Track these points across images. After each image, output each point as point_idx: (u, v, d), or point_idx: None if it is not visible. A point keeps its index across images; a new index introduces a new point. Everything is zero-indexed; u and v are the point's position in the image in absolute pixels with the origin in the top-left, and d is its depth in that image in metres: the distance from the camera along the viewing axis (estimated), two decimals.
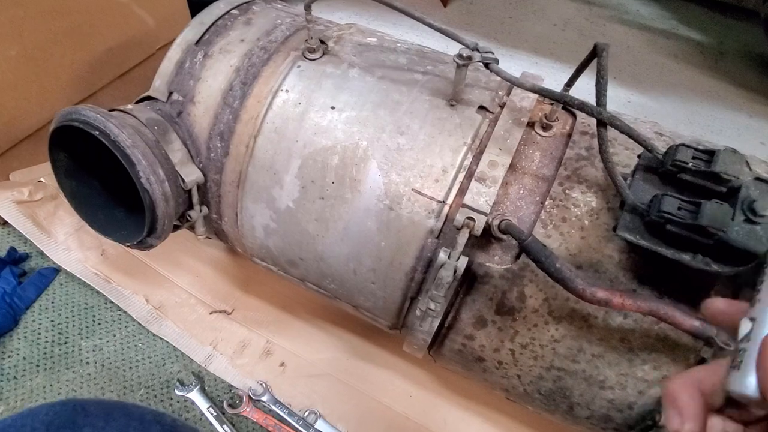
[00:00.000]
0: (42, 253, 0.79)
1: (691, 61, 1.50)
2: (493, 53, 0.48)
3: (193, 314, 0.77)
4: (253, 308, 0.79)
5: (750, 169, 0.42)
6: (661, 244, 0.40)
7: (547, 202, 0.48)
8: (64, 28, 0.80)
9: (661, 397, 0.46)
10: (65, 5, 0.79)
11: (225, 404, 0.68)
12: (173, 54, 0.59)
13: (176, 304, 0.78)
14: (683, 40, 1.59)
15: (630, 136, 0.42)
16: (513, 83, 0.48)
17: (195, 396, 0.68)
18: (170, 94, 0.58)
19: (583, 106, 0.44)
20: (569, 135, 0.51)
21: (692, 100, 1.36)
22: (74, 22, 0.81)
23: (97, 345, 0.72)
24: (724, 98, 1.39)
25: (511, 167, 0.49)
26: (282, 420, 0.68)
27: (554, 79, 1.18)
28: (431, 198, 0.49)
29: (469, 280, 0.49)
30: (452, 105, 0.52)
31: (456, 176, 0.49)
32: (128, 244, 0.59)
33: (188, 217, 0.60)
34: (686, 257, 0.39)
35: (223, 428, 0.66)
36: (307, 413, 0.69)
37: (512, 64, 1.38)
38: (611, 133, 0.45)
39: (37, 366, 0.69)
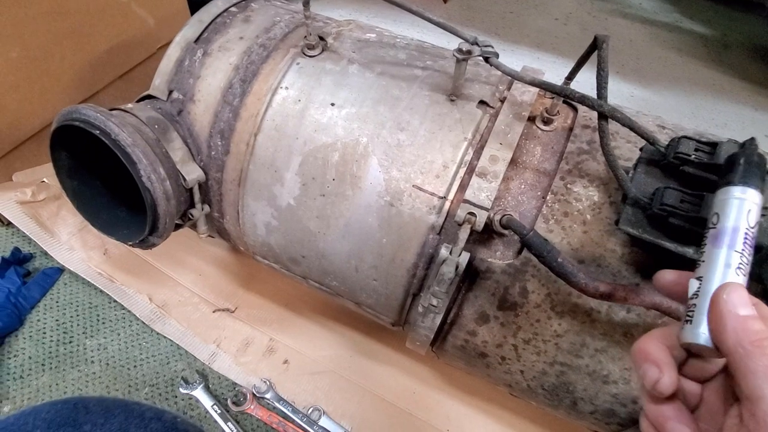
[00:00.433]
0: (46, 253, 0.80)
1: (695, 54, 1.49)
2: (492, 47, 0.48)
3: (196, 313, 0.78)
4: (256, 306, 0.80)
5: None
6: (664, 238, 0.39)
7: (548, 197, 0.47)
8: (64, 28, 0.80)
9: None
10: (65, 6, 0.79)
11: (229, 402, 0.68)
12: (172, 52, 0.59)
13: (179, 302, 0.79)
14: (686, 33, 1.58)
15: (632, 129, 0.42)
16: (513, 77, 0.48)
17: (199, 394, 0.68)
18: (170, 92, 0.58)
19: (583, 99, 0.44)
20: (570, 129, 0.51)
21: (696, 94, 1.35)
22: (75, 22, 0.81)
23: (101, 344, 0.73)
24: (728, 91, 1.37)
25: (512, 162, 0.49)
26: (286, 417, 0.68)
27: (556, 73, 1.17)
28: (432, 194, 0.49)
29: (471, 276, 0.49)
30: (452, 100, 0.52)
31: (457, 172, 0.49)
32: (130, 243, 0.59)
33: (190, 216, 0.60)
34: (689, 250, 0.38)
35: (228, 426, 0.66)
36: (310, 410, 0.69)
37: (513, 60, 1.37)
38: (613, 126, 0.44)
39: (43, 365, 0.70)
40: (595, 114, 0.45)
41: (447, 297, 0.48)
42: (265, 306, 0.80)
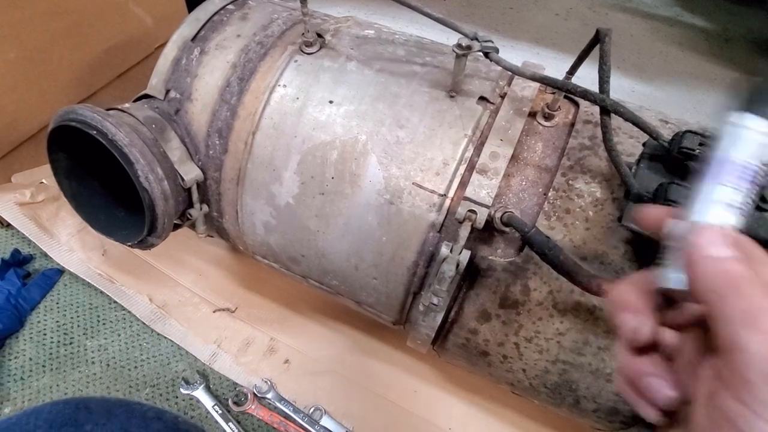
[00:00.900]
0: (46, 255, 0.80)
1: (696, 48, 1.48)
2: (492, 42, 0.48)
3: (196, 313, 0.77)
4: (257, 306, 0.79)
5: None
6: None
7: (550, 194, 0.47)
8: (62, 29, 0.80)
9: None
10: (63, 6, 0.79)
11: (230, 402, 0.68)
12: (169, 51, 0.58)
13: (180, 302, 0.78)
14: (688, 27, 1.57)
15: (634, 124, 0.41)
16: (513, 72, 0.47)
17: (200, 394, 0.68)
18: (167, 91, 0.58)
19: (585, 94, 0.43)
20: (572, 124, 0.51)
21: (698, 88, 1.34)
22: (72, 22, 0.81)
23: (102, 345, 0.73)
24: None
25: (513, 158, 0.49)
26: (287, 417, 0.68)
27: (557, 69, 1.16)
28: (432, 191, 0.49)
29: (472, 274, 0.49)
30: (452, 96, 0.51)
31: (457, 169, 0.49)
32: (129, 243, 0.59)
33: (188, 216, 0.59)
34: None
35: (229, 426, 0.66)
36: (312, 410, 0.69)
37: (514, 55, 1.36)
38: (615, 121, 0.44)
39: (43, 366, 0.70)
40: (596, 109, 0.45)
41: (448, 295, 0.48)
42: (265, 305, 0.79)
